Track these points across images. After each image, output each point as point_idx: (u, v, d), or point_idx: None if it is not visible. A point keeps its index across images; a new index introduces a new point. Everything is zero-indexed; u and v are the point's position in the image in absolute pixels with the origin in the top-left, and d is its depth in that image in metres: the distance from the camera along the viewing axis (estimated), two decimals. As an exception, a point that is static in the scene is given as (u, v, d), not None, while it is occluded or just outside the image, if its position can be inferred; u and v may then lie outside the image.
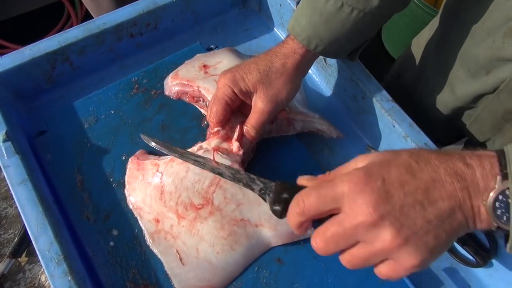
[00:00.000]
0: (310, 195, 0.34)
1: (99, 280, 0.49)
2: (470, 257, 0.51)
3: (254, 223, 0.50)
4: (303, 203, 0.34)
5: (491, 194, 0.31)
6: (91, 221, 0.52)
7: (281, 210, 0.38)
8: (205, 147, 0.53)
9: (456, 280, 0.53)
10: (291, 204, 0.36)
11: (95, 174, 0.55)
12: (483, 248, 0.50)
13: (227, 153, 0.52)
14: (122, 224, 0.52)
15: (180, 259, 0.49)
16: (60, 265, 0.45)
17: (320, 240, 0.34)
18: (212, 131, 0.53)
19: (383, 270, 0.33)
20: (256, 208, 0.51)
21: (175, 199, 0.51)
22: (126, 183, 0.54)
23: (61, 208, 0.53)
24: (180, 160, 0.52)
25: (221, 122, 0.52)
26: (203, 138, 0.57)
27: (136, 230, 0.52)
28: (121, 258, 0.50)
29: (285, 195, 0.37)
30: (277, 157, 0.58)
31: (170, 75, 0.62)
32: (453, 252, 0.53)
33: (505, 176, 0.31)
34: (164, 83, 0.63)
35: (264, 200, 0.40)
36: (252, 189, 0.41)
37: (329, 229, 0.33)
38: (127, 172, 0.54)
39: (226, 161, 0.51)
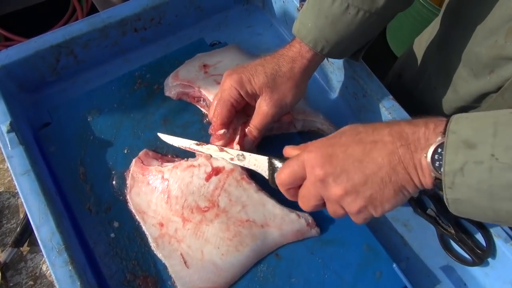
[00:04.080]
0: (282, 172, 0.44)
1: (99, 270, 0.50)
2: (466, 255, 0.52)
3: (260, 223, 0.51)
4: (280, 178, 0.45)
5: (430, 147, 0.35)
6: (92, 213, 0.53)
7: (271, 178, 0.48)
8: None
9: (452, 279, 0.53)
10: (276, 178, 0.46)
11: (98, 166, 0.56)
12: (479, 247, 0.50)
13: None
14: (123, 216, 0.53)
15: (185, 262, 0.49)
16: (61, 255, 0.46)
17: (301, 202, 0.45)
18: (216, 134, 0.53)
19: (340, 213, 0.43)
20: (260, 209, 0.51)
21: (181, 203, 0.51)
22: (129, 186, 0.54)
23: (63, 199, 0.54)
24: (184, 166, 0.52)
25: (226, 124, 0.52)
26: (204, 132, 0.58)
27: (136, 223, 0.52)
28: (121, 250, 0.51)
29: (275, 166, 0.48)
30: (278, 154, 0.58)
31: (171, 75, 0.62)
32: (449, 250, 0.53)
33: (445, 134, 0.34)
34: (165, 84, 0.63)
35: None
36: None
37: (301, 192, 0.44)
38: (130, 174, 0.54)
39: (229, 166, 0.52)
